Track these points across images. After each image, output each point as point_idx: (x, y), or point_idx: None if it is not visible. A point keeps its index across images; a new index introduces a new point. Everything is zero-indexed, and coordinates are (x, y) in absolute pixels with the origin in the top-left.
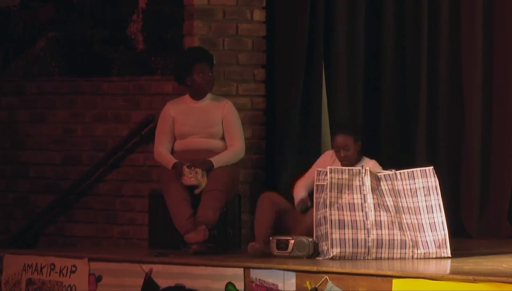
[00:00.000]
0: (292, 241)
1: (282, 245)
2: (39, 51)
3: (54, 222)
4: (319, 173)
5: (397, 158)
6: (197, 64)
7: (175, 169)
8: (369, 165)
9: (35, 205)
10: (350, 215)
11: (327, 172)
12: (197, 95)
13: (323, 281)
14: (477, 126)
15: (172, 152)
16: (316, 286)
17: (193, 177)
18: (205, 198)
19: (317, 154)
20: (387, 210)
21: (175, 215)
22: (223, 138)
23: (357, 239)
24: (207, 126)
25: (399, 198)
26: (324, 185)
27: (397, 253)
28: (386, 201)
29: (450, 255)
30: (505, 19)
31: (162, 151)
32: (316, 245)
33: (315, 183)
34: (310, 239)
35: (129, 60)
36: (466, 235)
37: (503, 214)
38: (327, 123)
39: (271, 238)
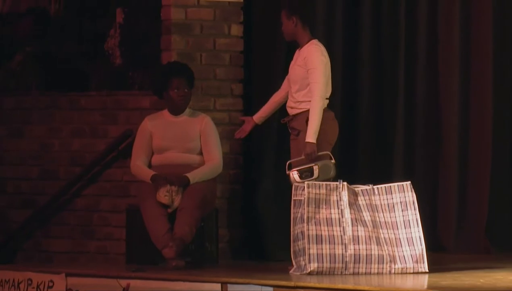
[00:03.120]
0: (316, 167)
1: (307, 173)
2: (16, 65)
3: (31, 237)
4: (296, 187)
5: (374, 173)
6: (173, 79)
7: (153, 181)
8: (307, 48)
9: (12, 220)
10: (328, 230)
11: (304, 187)
12: (174, 111)
13: None
14: (455, 141)
15: (150, 166)
16: None
17: (168, 196)
18: (181, 214)
19: None
20: (364, 224)
21: (152, 231)
22: (200, 153)
23: (335, 254)
24: (185, 141)
25: (376, 213)
26: (301, 199)
27: (374, 268)
28: (363, 216)
29: (427, 270)
30: (480, 32)
31: (140, 164)
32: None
33: (292, 198)
34: (332, 161)
35: (106, 75)
36: (443, 250)
37: (480, 229)
38: None
39: (289, 172)
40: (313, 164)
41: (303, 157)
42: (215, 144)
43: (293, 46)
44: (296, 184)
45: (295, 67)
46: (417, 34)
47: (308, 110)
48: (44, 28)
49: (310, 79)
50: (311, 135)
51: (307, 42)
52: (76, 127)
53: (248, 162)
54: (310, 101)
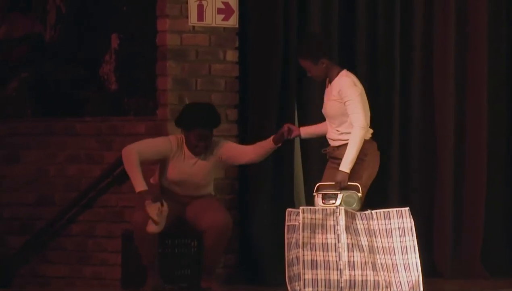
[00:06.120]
0: (341, 196)
1: (330, 199)
2: (11, 92)
3: (28, 262)
4: (290, 213)
5: (370, 198)
6: (198, 129)
7: (144, 194)
8: (338, 81)
9: (9, 246)
10: (323, 255)
11: (298, 212)
12: (190, 150)
13: None
14: (450, 166)
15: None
16: None
17: (159, 216)
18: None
19: (289, 191)
20: (361, 250)
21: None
22: (211, 182)
23: (330, 279)
24: (199, 180)
25: (374, 238)
26: (296, 225)
27: None
28: (360, 240)
29: None
30: (476, 62)
31: (137, 159)
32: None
33: (286, 223)
34: (359, 194)
35: (102, 100)
36: (438, 275)
37: (476, 255)
38: (300, 162)
39: (315, 194)
40: (338, 192)
41: (333, 183)
42: (241, 147)
43: (288, 70)
44: (323, 207)
45: (330, 103)
46: (412, 63)
47: None
48: (39, 54)
49: (348, 111)
50: (346, 165)
51: (337, 74)
52: (71, 153)
53: (243, 187)
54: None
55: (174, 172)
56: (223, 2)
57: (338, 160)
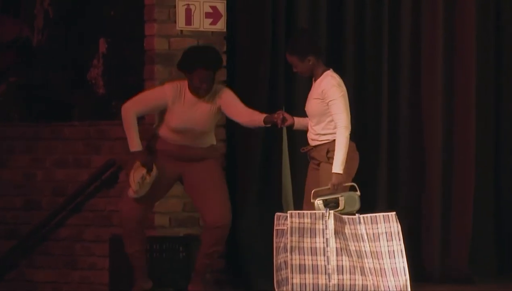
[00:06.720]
0: (342, 198)
1: (333, 204)
2: None
3: (15, 267)
4: (278, 217)
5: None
6: (200, 70)
7: (134, 156)
8: (322, 81)
9: None
10: (312, 259)
11: (287, 216)
12: (193, 92)
13: None
14: (439, 170)
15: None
16: None
17: (139, 182)
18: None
19: (277, 199)
20: (349, 254)
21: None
22: (213, 128)
23: (318, 283)
24: (203, 126)
25: (361, 242)
26: (284, 229)
27: None
28: (349, 245)
29: None
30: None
31: (134, 116)
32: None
33: (274, 228)
34: (358, 193)
35: (89, 105)
36: (426, 280)
37: (463, 259)
38: (288, 163)
39: (313, 201)
40: (339, 195)
41: (328, 186)
42: (240, 104)
43: (277, 75)
44: (312, 211)
45: (312, 101)
46: (400, 72)
47: (328, 142)
48: (27, 59)
49: (332, 111)
50: (338, 166)
51: (322, 73)
52: (59, 158)
53: (231, 192)
54: (329, 134)
55: (175, 118)
56: (211, 7)
57: (316, 160)
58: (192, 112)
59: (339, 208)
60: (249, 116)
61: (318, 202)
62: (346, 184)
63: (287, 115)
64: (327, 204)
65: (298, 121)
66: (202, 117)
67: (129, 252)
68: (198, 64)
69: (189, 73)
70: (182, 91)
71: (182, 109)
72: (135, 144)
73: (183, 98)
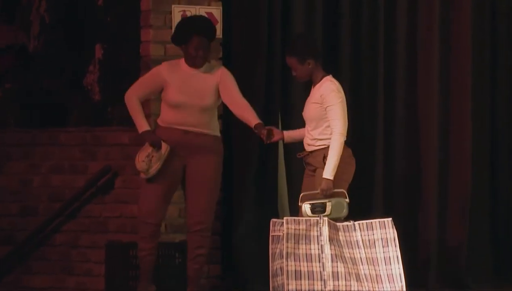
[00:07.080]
0: (329, 204)
1: (320, 209)
2: None
3: (11, 273)
4: (274, 223)
5: (354, 209)
6: (195, 37)
7: (142, 137)
8: (322, 86)
9: None
10: (307, 266)
11: (282, 222)
12: (191, 64)
13: None
14: (435, 169)
15: (153, 124)
16: None
17: (145, 161)
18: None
19: (274, 206)
20: (344, 261)
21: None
22: (215, 110)
23: (314, 290)
24: (202, 98)
25: (357, 249)
26: (280, 235)
27: None
28: (344, 252)
29: None
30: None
31: (137, 100)
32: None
33: (270, 234)
34: (346, 200)
35: (86, 110)
36: (422, 286)
37: (460, 266)
38: (283, 169)
39: (301, 205)
40: (326, 200)
41: (318, 191)
42: (237, 90)
43: (273, 80)
44: (307, 218)
45: (311, 105)
46: (396, 78)
47: (324, 148)
48: (23, 65)
49: (329, 117)
50: (329, 172)
51: (321, 78)
52: (55, 164)
53: (227, 199)
54: (326, 139)
55: (173, 91)
56: (207, 13)
57: (312, 166)
58: (190, 84)
59: (326, 213)
60: (241, 111)
61: (306, 206)
62: (337, 190)
63: (275, 131)
64: (314, 208)
65: (289, 135)
66: (200, 89)
67: (141, 255)
68: (192, 32)
69: (184, 44)
70: (178, 65)
71: (180, 81)
72: (142, 125)
73: (180, 70)
